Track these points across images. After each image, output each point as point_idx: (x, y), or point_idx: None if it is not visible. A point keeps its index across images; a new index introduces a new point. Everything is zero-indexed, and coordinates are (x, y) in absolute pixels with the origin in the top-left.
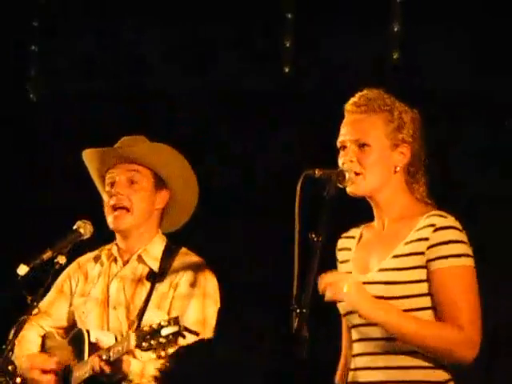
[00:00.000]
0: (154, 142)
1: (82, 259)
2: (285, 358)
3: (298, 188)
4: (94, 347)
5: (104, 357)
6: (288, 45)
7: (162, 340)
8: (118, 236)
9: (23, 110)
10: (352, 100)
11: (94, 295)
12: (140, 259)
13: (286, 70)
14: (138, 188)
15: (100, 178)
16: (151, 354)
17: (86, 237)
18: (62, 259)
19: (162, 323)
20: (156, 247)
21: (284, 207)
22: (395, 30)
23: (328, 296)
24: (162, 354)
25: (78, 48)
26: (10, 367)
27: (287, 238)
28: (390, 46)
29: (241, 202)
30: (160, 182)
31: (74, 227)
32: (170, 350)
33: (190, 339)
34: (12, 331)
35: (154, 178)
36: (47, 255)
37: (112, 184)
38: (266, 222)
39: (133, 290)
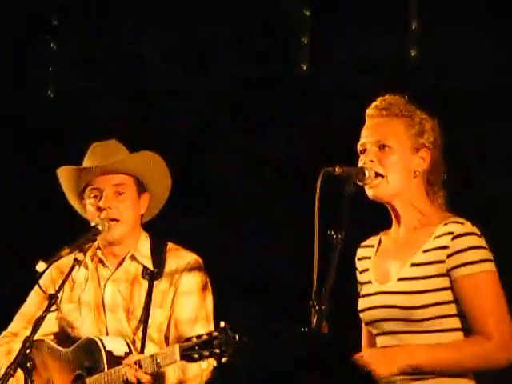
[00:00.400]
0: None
1: (61, 264)
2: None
3: (318, 184)
4: (111, 356)
5: (145, 367)
6: (306, 42)
7: (216, 350)
8: (104, 243)
9: (28, 109)
10: (373, 104)
11: (85, 300)
12: (133, 258)
13: (304, 67)
14: (125, 197)
15: (75, 190)
16: (202, 363)
17: (103, 234)
18: (80, 256)
19: (214, 334)
20: (144, 245)
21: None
22: (413, 27)
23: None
24: (215, 363)
25: (79, 48)
26: (28, 364)
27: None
28: (408, 43)
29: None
30: (141, 187)
31: (93, 224)
32: (223, 359)
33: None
34: (30, 329)
35: (136, 184)
36: (65, 252)
37: (97, 196)
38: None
39: (129, 291)
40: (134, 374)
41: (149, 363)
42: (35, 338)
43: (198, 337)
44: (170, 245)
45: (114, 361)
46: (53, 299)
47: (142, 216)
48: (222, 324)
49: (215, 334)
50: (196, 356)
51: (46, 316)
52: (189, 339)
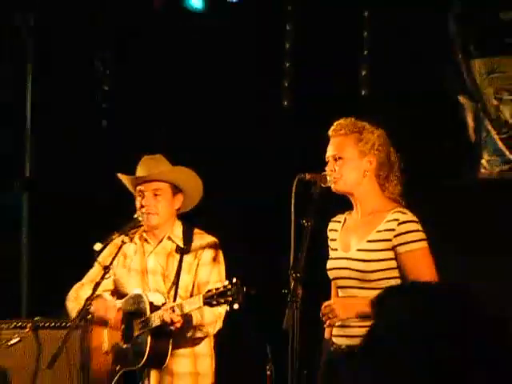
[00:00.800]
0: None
1: (117, 241)
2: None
3: (293, 188)
4: (152, 305)
5: (177, 311)
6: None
7: (228, 298)
8: (147, 228)
9: None
10: (331, 127)
11: (133, 267)
12: (169, 239)
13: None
14: (160, 199)
15: (133, 186)
16: (219, 308)
17: (142, 223)
18: (126, 239)
19: (228, 286)
20: (177, 230)
21: None
22: None
23: (328, 324)
24: (227, 308)
25: None
26: (89, 317)
27: None
28: None
29: None
30: (176, 189)
31: (135, 216)
32: (235, 306)
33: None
34: (91, 292)
35: (171, 188)
36: (115, 236)
37: (141, 196)
38: None
39: (165, 262)
40: (168, 315)
41: (179, 308)
42: (97, 293)
43: (217, 289)
44: (196, 230)
45: (154, 308)
46: (106, 269)
47: (179, 209)
48: (234, 280)
49: (229, 286)
50: (214, 303)
51: (101, 282)
52: (209, 291)
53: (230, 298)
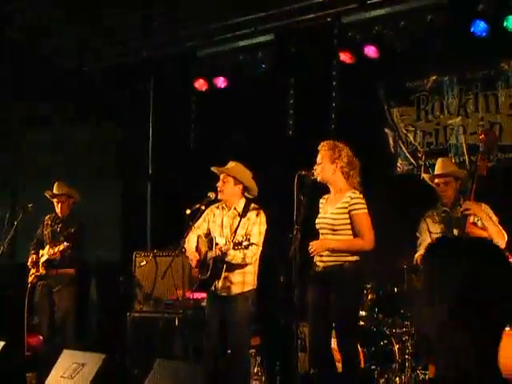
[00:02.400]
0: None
1: (212, 207)
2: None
3: (296, 181)
4: (216, 245)
5: (221, 249)
6: None
7: (245, 245)
8: (222, 200)
9: None
10: (319, 146)
11: (217, 222)
12: (234, 208)
13: None
14: (226, 185)
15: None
16: (238, 252)
17: (212, 199)
18: (202, 208)
19: (244, 239)
20: (241, 203)
21: None
22: None
23: (312, 252)
24: (245, 251)
25: None
26: (183, 250)
27: None
28: None
29: None
30: (237, 180)
31: (208, 194)
32: (246, 251)
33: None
34: (193, 237)
35: (233, 179)
36: (197, 206)
37: (218, 182)
38: None
39: (232, 220)
40: (218, 250)
41: (224, 247)
42: (199, 233)
43: (240, 241)
44: (253, 205)
45: (217, 245)
46: (192, 218)
47: (243, 192)
48: (247, 242)
49: (247, 243)
50: (237, 248)
51: (191, 229)
52: (240, 243)
53: (246, 244)
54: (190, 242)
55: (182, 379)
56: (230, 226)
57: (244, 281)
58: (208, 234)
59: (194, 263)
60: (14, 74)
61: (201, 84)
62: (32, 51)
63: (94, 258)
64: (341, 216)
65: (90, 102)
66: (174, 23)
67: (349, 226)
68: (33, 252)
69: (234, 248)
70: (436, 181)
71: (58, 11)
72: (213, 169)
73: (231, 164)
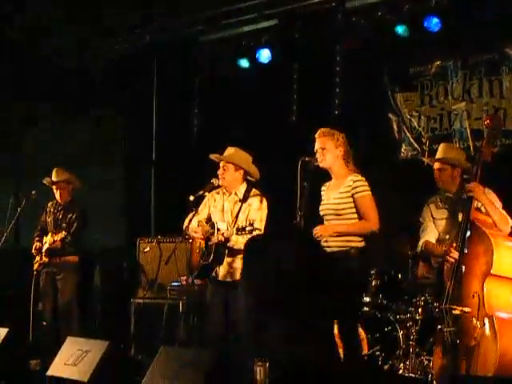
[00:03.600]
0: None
1: (213, 192)
2: None
3: (299, 167)
4: (218, 230)
5: (224, 234)
6: None
7: (248, 230)
8: (220, 184)
9: None
10: (317, 133)
11: (217, 207)
12: (235, 194)
13: None
14: (226, 173)
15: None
16: (240, 237)
17: (215, 185)
18: (206, 194)
19: (247, 224)
20: (242, 188)
21: None
22: None
23: (318, 236)
24: (248, 237)
25: None
26: (187, 236)
27: None
28: None
29: None
30: (238, 168)
31: (212, 181)
32: (249, 236)
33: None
34: (185, 223)
35: (234, 166)
36: (200, 192)
37: (219, 169)
38: None
39: (233, 206)
40: (220, 236)
41: (226, 233)
42: (199, 219)
43: (243, 227)
44: (254, 190)
45: (219, 230)
46: (196, 210)
47: (245, 177)
48: (249, 227)
49: (250, 228)
50: (239, 233)
51: (195, 213)
52: (244, 228)
53: (249, 229)
54: (192, 225)
55: (186, 366)
56: (230, 211)
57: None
58: (208, 220)
59: (198, 238)
60: (13, 74)
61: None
62: (32, 51)
63: (98, 245)
64: (344, 200)
65: (91, 94)
66: (175, 10)
67: (353, 210)
68: (37, 239)
69: (237, 233)
70: (434, 165)
71: (57, 11)
72: (212, 156)
73: (230, 150)
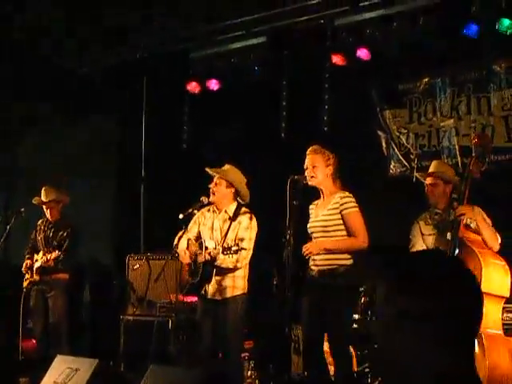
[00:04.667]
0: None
1: (203, 210)
2: None
3: (288, 186)
4: (206, 248)
5: (211, 253)
6: None
7: (233, 250)
8: (213, 203)
9: None
10: (308, 150)
11: (207, 225)
12: (225, 212)
13: None
14: (218, 188)
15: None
16: (227, 257)
17: (205, 203)
18: (195, 212)
19: (234, 244)
20: (232, 207)
21: None
22: None
23: (307, 253)
24: (234, 256)
25: None
26: (176, 255)
27: None
28: None
29: None
30: (229, 183)
31: (201, 198)
32: (235, 256)
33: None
34: (175, 241)
35: (226, 182)
36: (190, 210)
37: (211, 183)
38: None
39: (222, 224)
40: (207, 255)
41: (213, 252)
42: (190, 237)
43: (228, 246)
44: (243, 208)
45: (207, 249)
46: (183, 226)
47: (236, 196)
48: (236, 247)
49: (236, 248)
50: (226, 253)
51: (184, 232)
52: (230, 248)
53: (234, 249)
54: (181, 244)
55: None
56: (220, 229)
57: (234, 285)
58: (198, 238)
59: (185, 260)
60: (14, 74)
61: (193, 86)
62: (32, 51)
63: (88, 261)
64: (333, 217)
65: (89, 102)
66: (168, 24)
67: (341, 227)
68: (28, 257)
69: (223, 253)
70: (426, 181)
71: (57, 11)
72: (207, 170)
73: (226, 167)
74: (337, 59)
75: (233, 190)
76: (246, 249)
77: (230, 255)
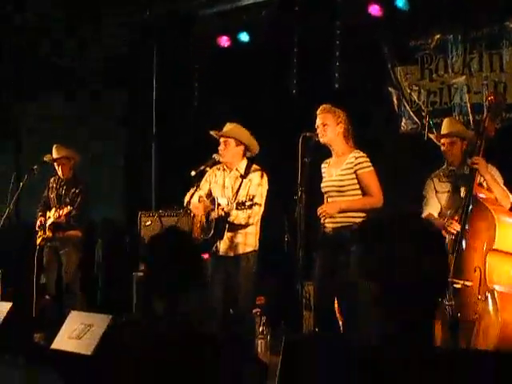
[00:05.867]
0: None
1: (214, 168)
2: None
3: (300, 143)
4: (219, 205)
5: (224, 209)
6: None
7: (248, 205)
8: (221, 160)
9: None
10: (319, 109)
11: (219, 183)
12: (236, 169)
13: None
14: (227, 148)
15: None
16: (240, 212)
17: (217, 160)
18: (207, 169)
19: (247, 199)
20: (242, 164)
21: None
22: None
23: (323, 215)
24: (248, 211)
25: None
26: (189, 211)
27: None
28: None
29: None
30: (238, 141)
31: (213, 156)
32: (249, 211)
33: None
34: (187, 198)
35: (235, 141)
36: (202, 167)
37: (219, 145)
38: None
39: (234, 181)
40: (220, 210)
41: (226, 208)
42: (200, 194)
43: (243, 201)
44: (254, 166)
45: (219, 205)
46: (198, 186)
47: (245, 153)
48: (250, 201)
49: (250, 203)
50: (240, 208)
51: (196, 190)
52: (244, 203)
53: (248, 204)
54: (193, 200)
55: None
56: (231, 187)
57: (245, 242)
58: (209, 195)
59: (199, 212)
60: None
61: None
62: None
63: (100, 219)
64: (347, 177)
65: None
66: None
67: (356, 186)
68: (40, 214)
69: (236, 208)
70: (442, 141)
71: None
72: (212, 133)
73: (229, 126)
74: (348, 16)
75: (242, 147)
76: (258, 204)
77: (244, 210)
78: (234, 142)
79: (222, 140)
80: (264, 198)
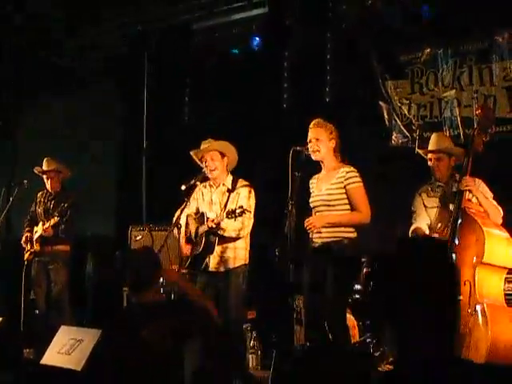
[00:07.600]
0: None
1: (200, 186)
2: None
3: (290, 157)
4: (208, 218)
5: (214, 221)
6: None
7: (238, 212)
8: (210, 177)
9: None
10: (312, 123)
11: (206, 200)
12: (223, 184)
13: None
14: (215, 162)
15: (197, 158)
16: (233, 221)
17: (206, 175)
18: (198, 183)
19: (237, 208)
20: (228, 179)
21: None
22: None
23: (310, 228)
24: (239, 220)
25: None
26: (179, 226)
27: None
28: None
29: None
30: (222, 155)
31: (203, 170)
32: (240, 219)
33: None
34: (177, 213)
35: (220, 154)
36: (192, 182)
37: (206, 162)
38: None
39: (221, 196)
40: (210, 223)
41: (216, 219)
42: (188, 213)
43: (233, 209)
44: (241, 181)
45: (208, 219)
46: (187, 196)
47: (228, 167)
48: (240, 209)
49: (240, 210)
50: (230, 216)
51: (184, 209)
52: (234, 211)
53: (239, 212)
54: (182, 219)
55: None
56: (219, 202)
57: (235, 256)
58: (197, 213)
59: (188, 252)
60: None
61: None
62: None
63: (90, 233)
64: (337, 191)
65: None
66: None
67: (345, 201)
68: (27, 230)
69: (227, 217)
70: (429, 156)
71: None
72: (192, 154)
73: (207, 142)
74: (338, 30)
75: (226, 160)
76: (248, 211)
77: (235, 218)
78: (219, 155)
79: (207, 156)
80: (253, 210)
